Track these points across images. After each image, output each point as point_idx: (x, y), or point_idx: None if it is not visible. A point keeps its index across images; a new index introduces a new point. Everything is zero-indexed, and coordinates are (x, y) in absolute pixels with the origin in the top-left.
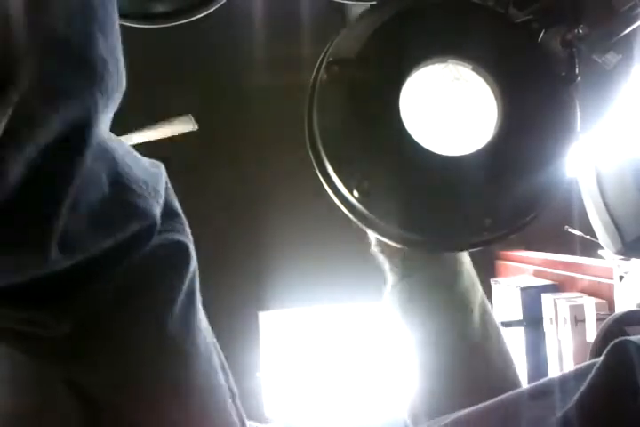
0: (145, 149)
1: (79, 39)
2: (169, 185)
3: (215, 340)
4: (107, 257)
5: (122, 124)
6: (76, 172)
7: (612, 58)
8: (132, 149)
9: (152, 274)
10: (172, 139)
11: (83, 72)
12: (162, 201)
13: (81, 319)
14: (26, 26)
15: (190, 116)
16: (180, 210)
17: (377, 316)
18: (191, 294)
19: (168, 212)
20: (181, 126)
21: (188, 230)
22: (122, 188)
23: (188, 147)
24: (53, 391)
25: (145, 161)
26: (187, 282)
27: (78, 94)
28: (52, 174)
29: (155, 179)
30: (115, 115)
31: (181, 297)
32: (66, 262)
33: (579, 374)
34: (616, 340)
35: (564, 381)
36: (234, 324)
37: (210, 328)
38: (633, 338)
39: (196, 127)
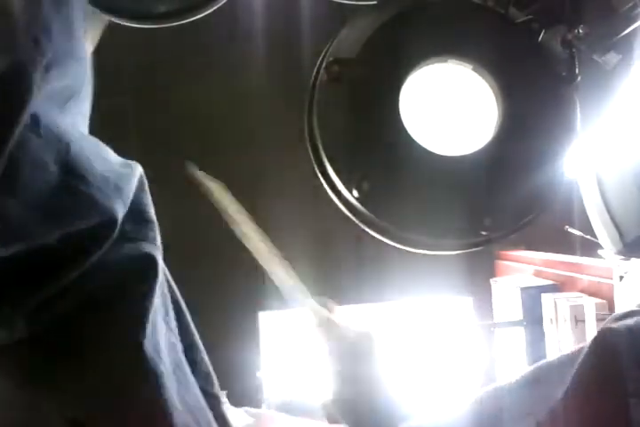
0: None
1: None
2: (145, 188)
3: (194, 348)
4: (61, 253)
5: (122, 124)
6: (6, 139)
7: (611, 58)
8: (104, 147)
9: (120, 290)
10: (172, 141)
11: (13, 33)
12: (127, 200)
13: (41, 330)
14: None
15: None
16: (154, 217)
17: (376, 316)
18: (155, 310)
19: (140, 217)
20: None
21: (159, 240)
22: (75, 177)
23: (189, 146)
24: (34, 411)
25: (116, 161)
26: (155, 297)
27: (3, 55)
28: None
29: (121, 178)
30: (115, 114)
31: (152, 314)
32: (4, 249)
33: (571, 360)
34: (601, 327)
35: (560, 365)
36: (234, 324)
37: (178, 341)
38: (615, 325)
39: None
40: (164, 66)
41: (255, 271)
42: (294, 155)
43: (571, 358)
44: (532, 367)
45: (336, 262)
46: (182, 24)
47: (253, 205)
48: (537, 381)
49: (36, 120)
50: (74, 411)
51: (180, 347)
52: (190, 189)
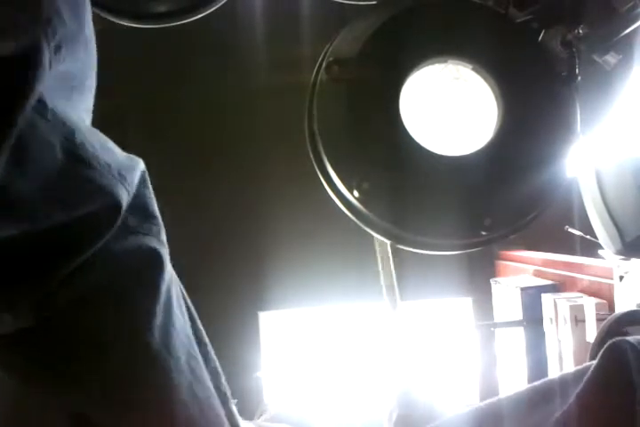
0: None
1: None
2: (148, 184)
3: (203, 346)
4: (65, 237)
5: (122, 124)
6: (15, 120)
7: (611, 58)
8: (107, 139)
9: (124, 282)
10: (171, 142)
11: (26, 11)
12: (131, 190)
13: (44, 321)
14: None
15: None
16: (157, 213)
17: (376, 316)
18: (168, 304)
19: (143, 212)
20: None
21: (164, 235)
22: (79, 161)
23: (189, 147)
24: (39, 408)
25: (121, 154)
26: (163, 293)
27: (16, 31)
28: None
29: (124, 167)
30: (115, 114)
31: (159, 309)
32: (11, 228)
33: (577, 376)
34: (612, 340)
35: (563, 383)
36: (234, 324)
37: (192, 334)
38: (629, 338)
39: None
40: (163, 66)
41: (255, 271)
42: (294, 155)
43: (580, 373)
44: (538, 383)
45: (336, 263)
46: (182, 24)
47: (254, 205)
48: (544, 397)
49: (42, 102)
50: (76, 403)
51: (193, 340)
52: (190, 189)
